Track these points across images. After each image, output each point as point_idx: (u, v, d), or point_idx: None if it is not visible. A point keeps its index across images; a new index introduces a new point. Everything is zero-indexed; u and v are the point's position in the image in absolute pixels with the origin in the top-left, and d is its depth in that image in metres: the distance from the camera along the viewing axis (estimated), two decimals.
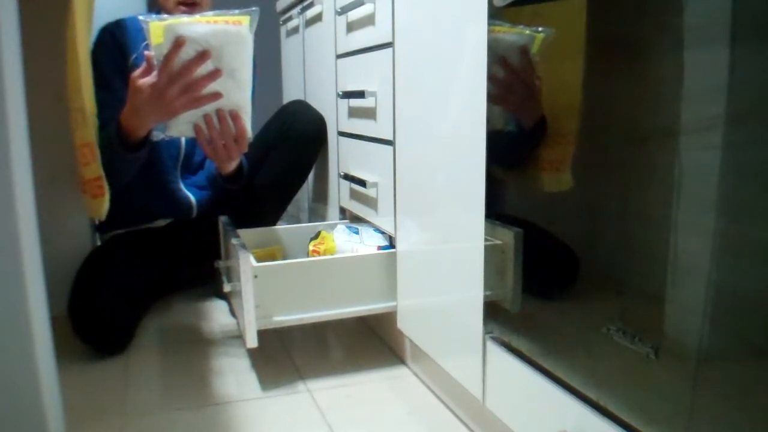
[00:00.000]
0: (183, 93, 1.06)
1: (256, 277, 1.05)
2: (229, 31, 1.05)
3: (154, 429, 0.96)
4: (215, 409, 1.01)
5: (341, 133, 1.37)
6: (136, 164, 1.25)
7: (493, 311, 0.80)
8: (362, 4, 1.13)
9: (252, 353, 1.20)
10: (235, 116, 1.12)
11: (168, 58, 1.03)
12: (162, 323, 1.40)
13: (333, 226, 1.28)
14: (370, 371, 1.14)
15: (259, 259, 1.12)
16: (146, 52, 1.07)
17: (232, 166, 1.30)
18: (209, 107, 1.10)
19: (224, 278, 1.22)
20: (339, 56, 1.35)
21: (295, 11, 1.73)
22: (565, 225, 0.69)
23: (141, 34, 1.34)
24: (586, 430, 0.63)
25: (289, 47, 1.89)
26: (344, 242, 1.19)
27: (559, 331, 0.70)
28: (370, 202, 1.21)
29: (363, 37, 1.18)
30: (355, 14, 1.21)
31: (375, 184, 1.17)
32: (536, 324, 0.73)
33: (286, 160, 1.49)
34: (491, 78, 0.75)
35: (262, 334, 1.06)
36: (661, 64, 0.53)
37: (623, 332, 0.58)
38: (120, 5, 1.66)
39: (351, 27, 1.25)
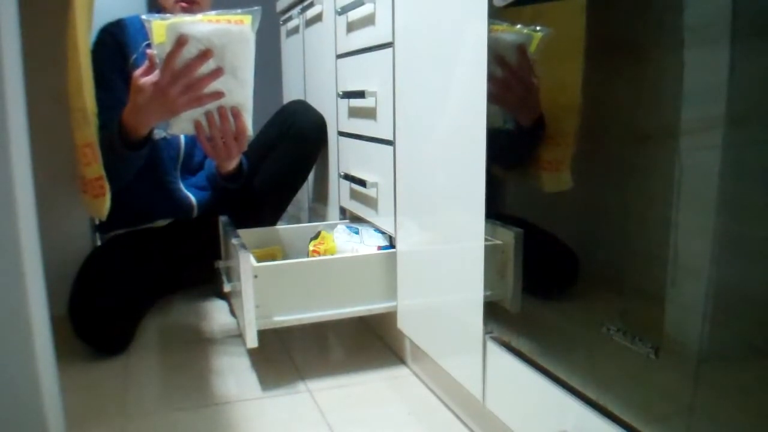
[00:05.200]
0: (185, 92, 1.06)
1: (256, 277, 1.05)
2: (232, 31, 1.05)
3: (154, 429, 0.96)
4: (215, 409, 1.01)
5: (341, 133, 1.37)
6: (137, 163, 1.25)
7: (493, 311, 0.80)
8: (362, 4, 1.13)
9: (252, 353, 1.20)
10: (236, 114, 1.12)
11: (170, 56, 1.03)
12: (162, 323, 1.40)
13: (333, 226, 1.28)
14: (370, 371, 1.14)
15: (259, 259, 1.12)
16: (148, 51, 1.08)
17: (232, 164, 1.30)
18: (211, 105, 1.10)
19: (224, 278, 1.22)
20: (339, 56, 1.35)
21: (295, 11, 1.73)
22: (565, 225, 0.69)
23: (141, 34, 1.35)
24: (586, 430, 0.62)
25: (289, 47, 1.89)
26: (344, 242, 1.19)
27: (559, 331, 0.70)
28: (370, 202, 1.21)
29: (363, 37, 1.18)
30: (355, 14, 1.21)
31: (375, 184, 1.17)
32: (536, 324, 0.73)
33: (286, 160, 1.49)
34: (489, 76, 0.75)
35: (262, 334, 1.06)
36: (661, 64, 0.53)
37: (623, 332, 0.58)
38: (120, 5, 1.66)
39: (351, 27, 1.25)
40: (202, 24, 1.04)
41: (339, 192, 1.40)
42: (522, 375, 0.73)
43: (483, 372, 0.81)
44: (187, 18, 1.04)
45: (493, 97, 0.76)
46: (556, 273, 0.70)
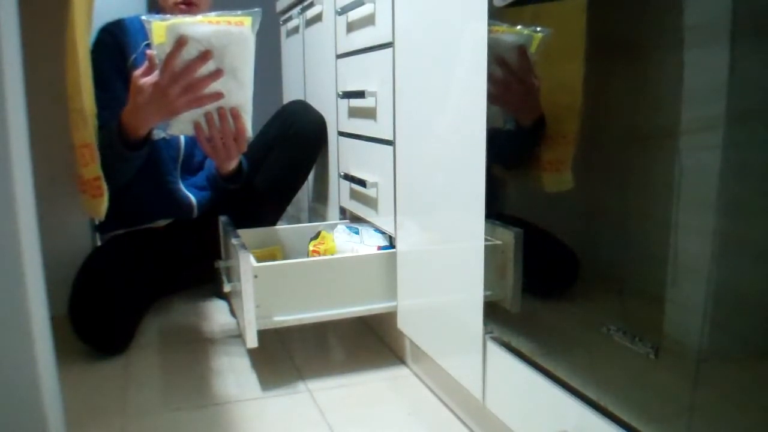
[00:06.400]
0: (185, 92, 1.06)
1: (256, 277, 1.05)
2: (232, 32, 1.05)
3: (154, 429, 0.96)
4: (215, 409, 1.01)
5: (341, 133, 1.37)
6: (136, 163, 1.26)
7: (493, 311, 0.80)
8: (362, 4, 1.13)
9: (252, 353, 1.20)
10: (235, 115, 1.12)
11: (170, 57, 1.03)
12: (162, 323, 1.40)
13: (333, 226, 1.28)
14: (370, 371, 1.14)
15: (259, 259, 1.12)
16: (148, 51, 1.08)
17: (231, 165, 1.30)
18: (210, 106, 1.10)
19: (224, 278, 1.22)
20: (339, 56, 1.35)
21: (295, 11, 1.73)
22: (565, 225, 0.69)
23: (141, 34, 1.35)
24: (586, 430, 0.63)
25: (289, 47, 1.89)
26: (344, 242, 1.19)
27: (559, 331, 0.70)
28: (370, 202, 1.21)
29: (363, 37, 1.18)
30: (355, 14, 1.21)
31: (375, 184, 1.17)
32: (536, 324, 0.73)
33: (286, 160, 1.49)
34: (489, 77, 0.75)
35: (262, 334, 1.06)
36: (661, 64, 0.53)
37: (623, 332, 0.58)
38: (120, 5, 1.66)
39: (351, 27, 1.25)
40: (202, 25, 1.04)
41: (339, 192, 1.40)
42: (522, 375, 0.73)
43: (483, 372, 0.81)
44: (187, 19, 1.04)
45: (493, 98, 0.76)
46: (556, 273, 0.70)
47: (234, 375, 1.13)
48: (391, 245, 1.15)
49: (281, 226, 1.42)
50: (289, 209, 1.62)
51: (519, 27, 0.71)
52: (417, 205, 1.00)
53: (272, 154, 1.49)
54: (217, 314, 1.45)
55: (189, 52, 1.04)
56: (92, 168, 1.11)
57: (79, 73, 1.06)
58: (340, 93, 1.29)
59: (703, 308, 0.50)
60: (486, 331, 0.81)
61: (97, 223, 1.44)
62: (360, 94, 1.16)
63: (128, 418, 0.99)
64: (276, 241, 1.37)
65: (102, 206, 1.14)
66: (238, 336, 1.30)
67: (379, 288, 1.13)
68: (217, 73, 1.06)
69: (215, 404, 1.03)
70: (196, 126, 1.13)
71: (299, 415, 0.99)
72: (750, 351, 0.48)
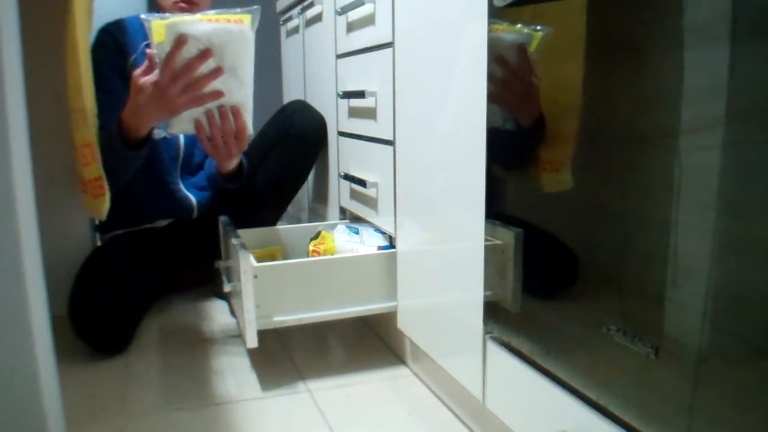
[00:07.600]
0: (185, 91, 1.06)
1: (256, 277, 1.05)
2: (231, 30, 1.05)
3: (154, 429, 0.96)
4: (215, 409, 1.01)
5: (341, 133, 1.37)
6: (137, 163, 1.25)
7: (493, 311, 0.80)
8: (362, 4, 1.13)
9: (252, 353, 1.20)
10: (236, 113, 1.12)
11: (170, 56, 1.03)
12: (162, 323, 1.40)
13: (333, 226, 1.28)
14: (370, 371, 1.14)
15: (259, 259, 1.12)
16: (148, 50, 1.08)
17: (232, 164, 1.30)
18: (211, 104, 1.10)
19: (224, 278, 1.22)
20: (339, 56, 1.35)
21: (295, 11, 1.73)
22: (565, 225, 0.69)
23: (141, 34, 1.35)
24: (586, 430, 0.63)
25: (289, 47, 1.89)
26: (344, 242, 1.19)
27: (559, 331, 0.70)
28: (370, 202, 1.21)
29: (363, 37, 1.18)
30: (355, 14, 1.21)
31: (375, 184, 1.17)
32: (536, 324, 0.73)
33: (286, 160, 1.49)
34: (489, 76, 0.75)
35: (262, 334, 1.06)
36: (661, 64, 0.53)
37: (623, 332, 0.58)
38: (120, 5, 1.66)
39: (351, 27, 1.25)
40: (201, 23, 1.04)
41: (339, 192, 1.40)
42: (522, 375, 0.73)
43: (483, 372, 0.81)
44: (186, 17, 1.04)
45: (493, 97, 0.76)
46: (556, 273, 0.70)
47: (234, 375, 1.13)
48: (391, 245, 1.15)
49: (281, 226, 1.42)
50: (289, 209, 1.62)
51: (519, 26, 0.71)
52: (417, 205, 1.00)
53: (272, 153, 1.49)
54: (217, 314, 1.45)
55: (189, 51, 1.04)
56: (94, 168, 1.11)
57: (80, 73, 1.06)
58: (340, 93, 1.29)
59: (703, 308, 0.50)
60: (486, 331, 0.81)
61: (97, 223, 1.44)
62: (360, 94, 1.16)
63: (128, 418, 0.99)
64: (276, 241, 1.37)
65: (104, 206, 1.14)
66: (238, 336, 1.30)
67: (379, 288, 1.13)
68: (217, 72, 1.06)
69: (215, 404, 1.03)
70: (197, 124, 1.13)
71: (299, 415, 0.99)
72: (750, 351, 0.48)
